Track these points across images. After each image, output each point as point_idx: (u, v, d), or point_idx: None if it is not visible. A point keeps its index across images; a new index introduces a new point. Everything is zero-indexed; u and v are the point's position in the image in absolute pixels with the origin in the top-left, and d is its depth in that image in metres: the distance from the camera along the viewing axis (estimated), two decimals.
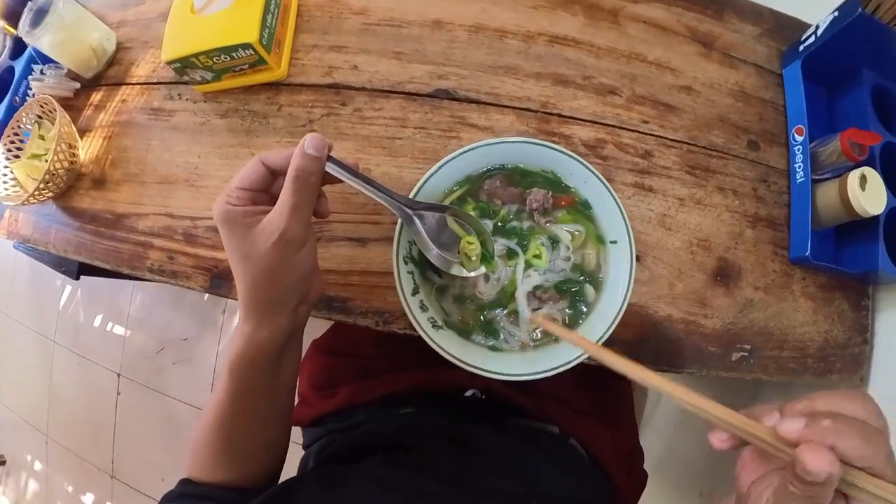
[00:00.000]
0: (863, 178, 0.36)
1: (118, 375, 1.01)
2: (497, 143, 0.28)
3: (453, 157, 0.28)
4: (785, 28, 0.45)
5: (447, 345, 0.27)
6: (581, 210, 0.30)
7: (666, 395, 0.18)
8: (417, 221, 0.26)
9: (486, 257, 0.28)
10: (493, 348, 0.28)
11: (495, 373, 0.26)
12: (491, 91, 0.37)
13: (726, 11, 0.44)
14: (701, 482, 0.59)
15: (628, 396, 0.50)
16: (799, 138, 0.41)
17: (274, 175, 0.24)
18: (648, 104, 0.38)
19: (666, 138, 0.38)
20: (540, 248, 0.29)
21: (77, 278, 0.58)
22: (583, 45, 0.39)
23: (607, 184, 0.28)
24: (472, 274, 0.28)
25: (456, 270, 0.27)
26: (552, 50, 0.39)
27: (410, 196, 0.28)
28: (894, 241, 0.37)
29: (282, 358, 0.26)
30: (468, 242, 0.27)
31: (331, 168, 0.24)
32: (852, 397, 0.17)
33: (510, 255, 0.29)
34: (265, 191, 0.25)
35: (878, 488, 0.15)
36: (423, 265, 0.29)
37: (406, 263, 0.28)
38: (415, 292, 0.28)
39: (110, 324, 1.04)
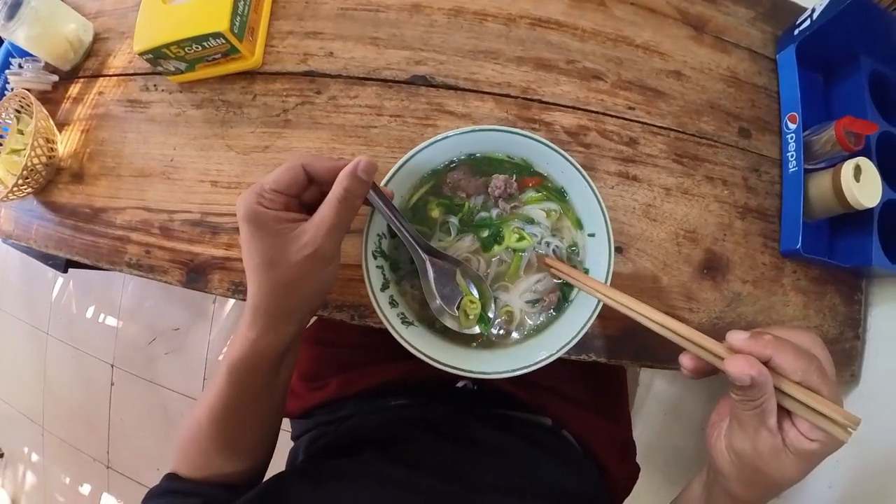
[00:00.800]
0: (857, 169, 0.34)
1: (112, 366, 1.02)
2: (467, 133, 0.27)
3: (418, 151, 0.27)
4: (780, 11, 0.43)
5: (417, 342, 0.26)
6: (553, 190, 0.29)
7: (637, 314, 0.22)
8: (430, 268, 0.26)
9: (483, 319, 0.27)
10: (464, 343, 0.28)
11: (463, 370, 0.26)
12: (470, 77, 0.36)
13: None
14: (690, 471, 0.59)
15: (623, 389, 0.50)
16: (792, 126, 0.39)
17: (310, 182, 0.24)
18: (635, 89, 0.37)
19: (653, 125, 0.37)
20: (518, 231, 0.28)
21: (65, 271, 0.58)
22: (567, 27, 0.38)
23: (583, 171, 0.27)
24: (464, 331, 0.27)
25: (449, 323, 0.27)
26: (534, 33, 0.37)
27: (367, 217, 0.28)
28: (890, 233, 0.36)
29: (283, 361, 0.26)
30: (470, 301, 0.27)
31: (370, 196, 0.24)
32: (803, 331, 0.21)
33: (485, 245, 0.28)
34: (297, 196, 0.24)
35: (806, 397, 0.18)
36: (393, 259, 0.28)
37: (375, 258, 0.27)
38: (384, 287, 0.27)
39: (102, 315, 1.05)
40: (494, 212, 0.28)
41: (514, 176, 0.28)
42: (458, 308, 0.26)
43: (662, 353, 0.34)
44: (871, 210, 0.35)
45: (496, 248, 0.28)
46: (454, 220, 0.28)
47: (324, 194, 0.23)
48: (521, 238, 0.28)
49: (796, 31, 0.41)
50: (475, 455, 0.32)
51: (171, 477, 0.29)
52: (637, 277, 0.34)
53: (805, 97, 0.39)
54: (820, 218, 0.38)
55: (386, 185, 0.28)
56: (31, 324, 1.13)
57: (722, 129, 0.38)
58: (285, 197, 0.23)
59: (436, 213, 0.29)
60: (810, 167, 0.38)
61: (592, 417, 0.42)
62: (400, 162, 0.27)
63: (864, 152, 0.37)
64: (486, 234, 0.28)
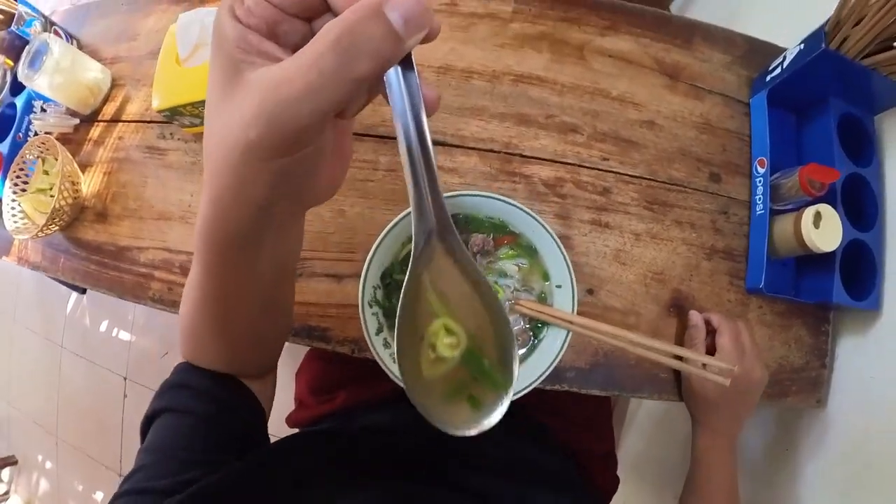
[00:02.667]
0: (817, 216, 0.37)
1: (125, 379, 1.07)
2: (452, 197, 0.31)
3: (406, 215, 0.31)
4: (757, 54, 0.45)
5: None
6: (524, 248, 0.32)
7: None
8: (434, 249, 0.16)
9: (474, 399, 0.16)
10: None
11: None
12: (456, 133, 0.39)
13: (696, 39, 0.44)
14: (678, 480, 0.63)
15: (606, 408, 0.53)
16: (761, 170, 0.42)
17: (325, 6, 0.14)
18: (609, 141, 0.40)
19: (625, 174, 0.39)
20: (494, 285, 0.32)
21: (83, 292, 0.63)
22: (547, 82, 0.40)
23: (552, 232, 0.30)
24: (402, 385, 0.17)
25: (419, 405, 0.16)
26: (517, 89, 0.40)
27: (368, 256, 0.30)
28: (854, 271, 0.39)
29: (252, 248, 0.18)
30: (446, 331, 0.16)
31: (395, 76, 0.14)
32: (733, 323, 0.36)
33: None
34: (300, 18, 0.14)
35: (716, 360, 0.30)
36: (386, 308, 0.32)
37: (371, 307, 0.31)
38: (378, 331, 0.31)
39: (116, 329, 1.09)
40: None
41: (492, 235, 0.32)
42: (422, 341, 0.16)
43: (627, 383, 0.37)
44: (833, 251, 0.38)
45: None
46: None
47: None
48: (496, 292, 0.31)
49: (768, 78, 0.43)
50: (469, 441, 0.34)
51: (183, 368, 0.26)
52: (606, 317, 0.37)
53: (775, 140, 0.42)
54: (785, 256, 0.41)
55: (378, 247, 0.31)
56: (46, 336, 1.17)
57: (692, 175, 0.41)
58: (274, 11, 0.13)
59: None
60: (778, 208, 0.41)
61: (577, 430, 0.46)
62: (389, 226, 0.31)
63: (830, 195, 0.40)
64: None
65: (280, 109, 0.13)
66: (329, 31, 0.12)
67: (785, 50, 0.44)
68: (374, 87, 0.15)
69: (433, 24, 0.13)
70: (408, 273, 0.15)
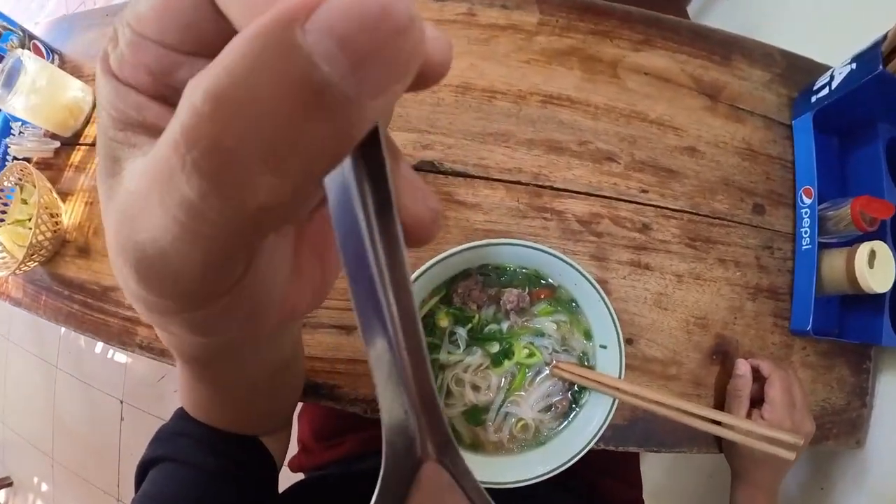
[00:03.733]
0: (872, 254, 0.34)
1: (121, 402, 1.03)
2: (481, 247, 0.27)
3: (428, 268, 0.27)
4: (797, 71, 0.42)
5: None
6: (563, 302, 0.29)
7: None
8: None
9: None
10: (476, 449, 0.28)
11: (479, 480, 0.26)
12: (479, 162, 0.35)
13: (734, 55, 0.41)
14: None
15: (635, 454, 0.50)
16: (807, 201, 0.38)
17: (229, 24, 0.07)
18: (648, 170, 0.36)
19: (666, 208, 0.36)
20: (529, 347, 0.28)
21: None
22: (579, 104, 0.37)
23: (598, 286, 0.27)
24: None
25: None
26: (545, 112, 0.36)
27: None
28: None
29: (231, 364, 0.16)
30: None
31: (345, 187, 0.07)
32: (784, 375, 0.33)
33: (495, 360, 0.28)
34: (204, 57, 0.07)
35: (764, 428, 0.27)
36: None
37: None
38: None
39: (111, 351, 1.06)
40: (505, 325, 0.28)
41: (527, 289, 0.28)
42: None
43: (668, 438, 0.34)
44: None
45: (506, 363, 0.28)
46: (462, 331, 0.28)
47: None
48: (532, 354, 0.28)
49: (813, 98, 0.39)
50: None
51: (181, 415, 0.22)
52: (646, 369, 0.34)
53: (821, 166, 0.38)
54: (831, 294, 0.38)
55: None
56: (41, 357, 1.14)
57: (736, 207, 0.38)
58: (161, 52, 0.07)
59: (444, 322, 0.28)
60: (823, 241, 0.38)
61: (604, 476, 0.43)
62: (413, 276, 0.27)
63: (880, 226, 0.36)
64: (496, 349, 0.28)
65: (138, 257, 0.07)
66: (181, 106, 0.06)
67: (824, 66, 0.41)
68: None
69: (432, 51, 0.06)
70: None
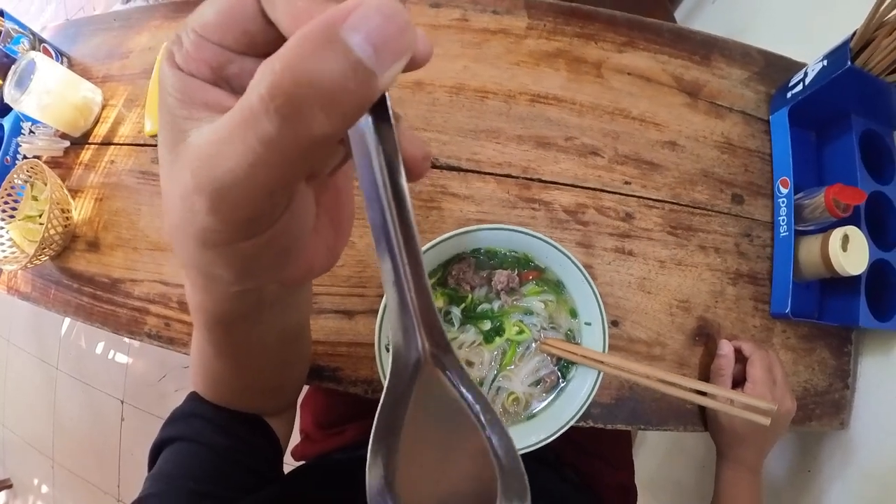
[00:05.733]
0: (845, 239, 0.36)
1: (122, 402, 1.04)
2: (473, 232, 0.29)
3: (428, 248, 0.29)
4: (775, 69, 0.44)
5: None
6: (550, 283, 0.31)
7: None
8: (421, 366, 0.12)
9: None
10: None
11: None
12: (472, 157, 0.37)
13: (714, 55, 0.43)
14: None
15: (626, 436, 0.52)
16: (784, 191, 0.40)
17: (275, 32, 0.10)
18: (631, 163, 0.38)
19: (648, 199, 0.38)
20: (519, 324, 0.30)
21: None
22: (565, 102, 0.39)
23: (581, 267, 0.29)
24: None
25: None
26: (534, 110, 0.38)
27: (384, 297, 0.28)
28: (877, 291, 0.38)
29: (250, 326, 0.17)
30: None
31: (366, 133, 0.10)
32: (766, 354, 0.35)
33: (487, 337, 0.30)
34: (251, 55, 0.10)
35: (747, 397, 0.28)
36: None
37: (388, 351, 0.29)
38: None
39: (112, 352, 1.07)
40: (496, 304, 0.30)
41: (516, 270, 0.30)
42: None
43: (654, 417, 0.36)
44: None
45: (497, 339, 0.29)
46: (457, 311, 0.30)
47: None
48: (521, 331, 0.29)
49: (789, 94, 0.42)
50: None
51: (193, 397, 0.24)
52: (631, 350, 0.36)
53: (797, 158, 0.40)
54: (810, 279, 0.40)
55: None
56: (41, 358, 1.14)
57: (715, 197, 0.40)
58: (217, 50, 0.10)
59: (440, 302, 0.30)
60: (801, 229, 0.40)
61: (595, 461, 0.45)
62: None
63: (854, 213, 0.38)
64: (488, 326, 0.30)
65: (215, 188, 0.09)
66: (264, 74, 0.08)
67: (801, 64, 0.43)
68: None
69: (419, 45, 0.09)
70: (379, 410, 0.11)
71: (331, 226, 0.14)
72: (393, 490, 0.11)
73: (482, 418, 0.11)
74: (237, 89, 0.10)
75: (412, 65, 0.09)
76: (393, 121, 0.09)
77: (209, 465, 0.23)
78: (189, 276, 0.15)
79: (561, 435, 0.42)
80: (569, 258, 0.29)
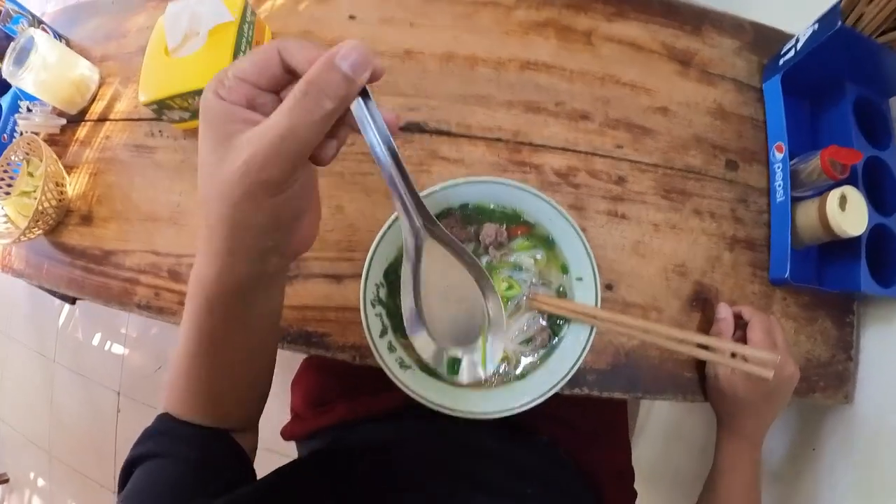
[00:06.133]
0: (843, 199, 0.35)
1: (118, 394, 1.03)
2: (460, 185, 0.29)
3: None
4: (766, 40, 0.44)
5: (415, 385, 0.27)
6: (540, 238, 0.30)
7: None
8: (422, 245, 0.19)
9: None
10: (457, 384, 0.29)
11: (461, 411, 0.27)
12: (462, 122, 0.37)
13: (705, 26, 0.43)
14: (692, 492, 0.60)
15: (622, 416, 0.51)
16: (779, 156, 0.40)
17: (290, 75, 0.17)
18: (622, 128, 0.38)
19: (640, 162, 0.38)
20: (508, 280, 0.29)
21: (73, 303, 0.60)
22: (555, 69, 0.39)
23: (571, 220, 0.28)
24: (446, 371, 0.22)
25: (426, 352, 0.21)
26: (523, 76, 0.38)
27: (370, 250, 0.28)
28: (878, 257, 0.37)
29: (246, 303, 0.21)
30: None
31: (359, 109, 0.16)
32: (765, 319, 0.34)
33: None
34: (273, 92, 0.17)
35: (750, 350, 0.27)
36: (390, 307, 0.30)
37: (374, 306, 0.28)
38: (383, 333, 0.28)
39: (109, 343, 1.07)
40: (484, 259, 0.30)
41: (504, 225, 0.29)
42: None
43: (652, 385, 0.35)
44: (858, 236, 0.36)
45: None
46: None
47: None
48: (511, 287, 0.29)
49: (781, 61, 0.41)
50: (477, 460, 0.33)
51: (164, 417, 0.26)
52: (627, 313, 0.35)
53: (791, 125, 0.40)
54: (808, 245, 0.39)
55: (380, 241, 0.29)
56: (38, 351, 1.15)
57: (709, 163, 0.39)
58: (251, 88, 0.17)
59: None
60: (798, 195, 0.39)
61: (590, 443, 0.43)
62: (392, 218, 0.29)
63: (851, 178, 0.38)
64: None
65: (268, 150, 0.16)
66: (297, 86, 0.16)
67: (793, 36, 0.43)
68: (341, 131, 0.18)
69: (377, 65, 0.16)
70: (403, 267, 0.19)
71: (312, 210, 0.20)
72: (421, 315, 0.20)
73: (480, 283, 0.20)
74: (262, 113, 0.17)
75: (374, 76, 0.16)
76: (372, 99, 0.17)
77: (181, 479, 0.23)
78: (213, 250, 0.19)
79: (556, 408, 0.42)
80: (559, 212, 0.29)
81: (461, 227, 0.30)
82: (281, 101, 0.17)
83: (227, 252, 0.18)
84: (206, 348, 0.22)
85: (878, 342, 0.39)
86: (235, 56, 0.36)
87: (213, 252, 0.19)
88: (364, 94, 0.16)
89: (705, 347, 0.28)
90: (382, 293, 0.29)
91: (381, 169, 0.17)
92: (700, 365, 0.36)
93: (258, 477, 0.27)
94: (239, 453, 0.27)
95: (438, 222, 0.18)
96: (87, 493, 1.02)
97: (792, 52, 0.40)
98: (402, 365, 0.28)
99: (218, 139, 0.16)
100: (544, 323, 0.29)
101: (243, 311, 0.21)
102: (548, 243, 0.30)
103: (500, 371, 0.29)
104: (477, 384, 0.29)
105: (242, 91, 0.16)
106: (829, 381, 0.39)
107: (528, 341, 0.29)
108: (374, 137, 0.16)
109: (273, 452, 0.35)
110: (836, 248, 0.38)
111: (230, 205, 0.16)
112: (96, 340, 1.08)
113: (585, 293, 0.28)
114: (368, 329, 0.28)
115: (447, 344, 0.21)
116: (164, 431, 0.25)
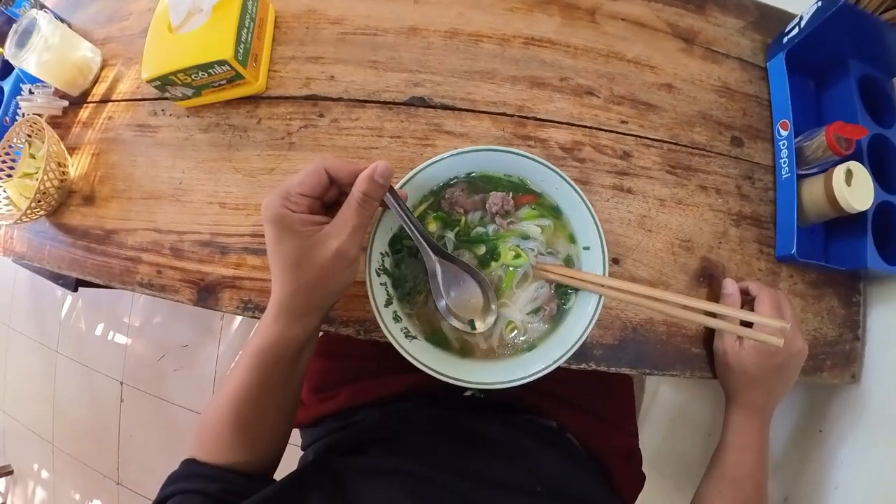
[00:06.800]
0: (848, 173, 0.35)
1: (121, 384, 1.04)
2: (466, 153, 0.28)
3: (418, 171, 0.28)
4: (769, 20, 0.44)
5: (421, 355, 0.27)
6: (547, 208, 0.30)
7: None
8: (439, 269, 0.27)
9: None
10: (465, 355, 0.29)
11: (469, 381, 0.27)
12: (466, 97, 0.37)
13: (708, 5, 0.43)
14: (697, 476, 0.59)
15: (629, 399, 0.50)
16: (784, 133, 0.40)
17: (331, 183, 0.25)
18: (627, 104, 0.38)
19: (646, 138, 0.37)
20: (515, 249, 0.29)
21: (75, 290, 0.60)
22: (559, 45, 0.39)
23: (577, 188, 0.28)
24: (469, 330, 0.28)
25: (455, 323, 0.28)
26: (528, 52, 0.38)
27: (374, 221, 0.29)
28: (885, 234, 0.37)
29: (303, 352, 0.28)
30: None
31: (387, 197, 0.25)
32: (774, 293, 0.34)
33: (483, 262, 0.29)
34: (320, 198, 0.25)
35: (756, 317, 0.27)
36: (395, 277, 0.29)
37: (379, 275, 0.28)
38: (388, 303, 0.28)
39: (111, 333, 1.07)
40: (491, 228, 0.29)
41: (511, 193, 0.29)
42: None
43: (660, 360, 0.35)
44: (864, 213, 0.36)
45: (493, 265, 0.29)
46: (450, 235, 0.29)
47: (343, 194, 0.25)
48: (518, 255, 0.28)
49: (785, 39, 0.41)
50: (482, 451, 0.33)
51: (191, 462, 0.29)
52: None
53: (796, 103, 0.40)
54: (814, 222, 0.39)
55: (385, 210, 0.28)
56: (41, 342, 1.15)
57: (714, 139, 0.39)
58: (310, 199, 0.24)
59: (433, 225, 0.30)
60: (803, 173, 0.39)
61: (598, 426, 0.43)
62: (401, 182, 0.28)
63: (856, 156, 0.38)
64: (482, 251, 0.29)
65: (349, 238, 0.24)
66: (355, 195, 0.24)
67: (796, 15, 0.43)
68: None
69: (392, 171, 0.24)
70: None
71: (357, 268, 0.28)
72: (449, 308, 0.28)
73: (485, 287, 0.29)
74: (315, 211, 0.25)
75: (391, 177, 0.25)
76: (397, 192, 0.26)
77: None
78: (296, 312, 0.26)
79: (563, 390, 0.41)
80: (565, 180, 0.28)
81: (467, 196, 0.29)
82: (322, 202, 0.26)
83: (309, 314, 0.26)
84: (256, 396, 0.27)
85: (885, 322, 0.39)
86: (240, 26, 0.36)
87: (297, 318, 0.26)
88: (390, 189, 0.25)
89: (714, 316, 0.28)
90: (388, 262, 0.29)
91: (403, 224, 0.27)
92: (708, 340, 0.35)
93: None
94: (264, 484, 0.28)
95: (450, 254, 0.28)
96: (90, 483, 1.02)
97: (796, 30, 0.40)
98: (408, 335, 0.28)
99: (298, 239, 0.24)
100: (552, 292, 0.29)
101: (302, 357, 0.28)
102: (555, 212, 0.30)
103: (509, 340, 0.29)
104: (485, 353, 0.29)
105: (305, 203, 0.24)
106: (836, 359, 0.38)
107: (535, 311, 0.29)
108: (398, 209, 0.26)
109: None
110: (842, 225, 0.38)
111: (321, 280, 0.24)
112: (99, 330, 1.08)
113: (593, 262, 0.28)
114: (374, 298, 0.28)
115: (467, 316, 0.29)
116: (193, 474, 0.28)
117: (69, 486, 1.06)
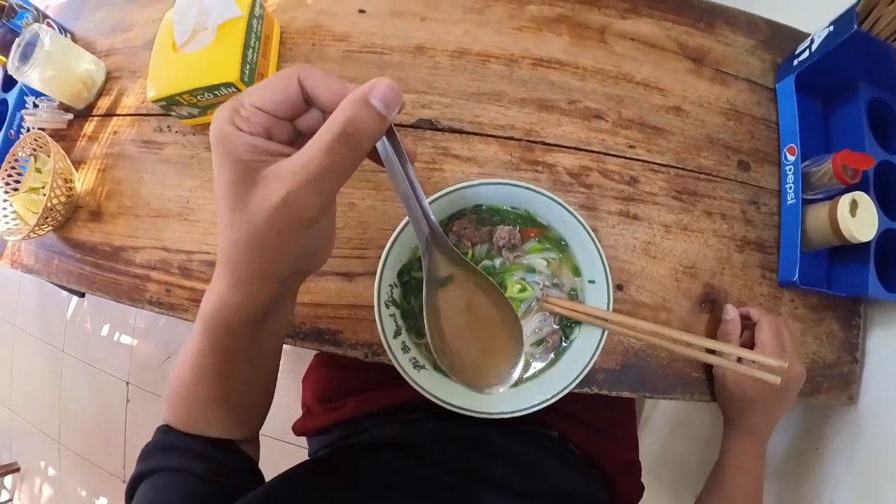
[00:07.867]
0: (853, 204, 0.35)
1: (127, 384, 1.05)
2: (474, 186, 0.29)
3: (429, 203, 0.28)
4: (781, 38, 0.43)
5: (429, 385, 0.27)
6: (553, 240, 0.30)
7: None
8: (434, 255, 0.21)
9: None
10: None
11: (474, 411, 0.27)
12: (474, 120, 0.37)
13: (718, 23, 0.43)
14: (696, 484, 0.61)
15: (630, 411, 0.51)
16: (791, 158, 0.40)
17: (307, 105, 0.17)
18: (635, 127, 0.38)
19: (653, 163, 0.37)
20: (521, 282, 0.29)
21: (82, 296, 0.60)
22: (568, 66, 0.38)
23: (584, 222, 0.28)
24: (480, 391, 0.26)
25: (460, 387, 0.26)
26: (536, 73, 0.38)
27: (383, 252, 0.29)
28: (888, 261, 0.37)
29: (264, 324, 0.21)
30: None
31: (382, 144, 0.17)
32: (774, 319, 0.34)
33: None
34: (289, 120, 0.17)
35: (756, 355, 0.26)
36: (404, 308, 0.30)
37: (388, 307, 0.29)
38: (396, 334, 0.29)
39: (117, 333, 1.08)
40: (498, 261, 0.30)
41: (518, 226, 0.29)
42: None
43: (660, 384, 0.35)
44: (867, 241, 0.36)
45: None
46: None
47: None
48: (523, 289, 0.29)
49: (795, 62, 0.41)
50: (487, 457, 0.33)
51: (165, 430, 0.26)
52: (636, 314, 0.35)
53: (804, 127, 0.40)
54: (818, 248, 0.39)
55: (394, 242, 0.29)
56: (47, 341, 1.16)
57: (721, 164, 0.39)
58: (268, 118, 0.16)
59: None
60: (809, 198, 0.39)
61: (599, 437, 0.44)
62: (406, 220, 0.28)
63: (863, 183, 0.38)
64: None
65: (308, 188, 0.15)
66: (333, 123, 0.15)
67: (807, 35, 0.43)
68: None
69: (402, 100, 0.17)
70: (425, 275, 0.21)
71: (333, 230, 0.21)
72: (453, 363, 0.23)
73: (509, 318, 0.23)
74: (279, 142, 0.17)
75: (400, 109, 0.17)
76: (398, 137, 0.18)
77: (188, 490, 0.23)
78: (234, 280, 0.19)
79: (565, 403, 0.42)
80: (571, 214, 0.29)
81: (475, 228, 0.30)
82: (295, 129, 0.17)
83: (253, 281, 0.19)
84: (220, 367, 0.22)
85: (884, 345, 0.39)
86: (245, 46, 0.35)
87: (237, 281, 0.19)
88: (390, 131, 0.17)
89: (714, 352, 0.28)
90: (396, 294, 0.29)
91: (402, 194, 0.19)
92: (708, 365, 0.36)
93: (266, 478, 0.27)
94: (246, 461, 0.27)
95: (443, 232, 0.21)
96: (96, 481, 1.04)
97: (806, 53, 0.40)
98: (416, 365, 0.28)
99: (239, 172, 0.16)
100: (556, 325, 0.29)
101: (260, 330, 0.22)
102: (560, 245, 0.30)
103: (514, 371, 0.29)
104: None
105: (260, 121, 0.16)
106: (833, 382, 0.39)
107: (539, 343, 0.29)
108: (395, 165, 0.18)
109: (286, 443, 0.35)
110: (845, 252, 0.38)
111: (262, 238, 0.16)
112: (105, 331, 1.09)
113: (597, 296, 0.29)
114: (383, 330, 0.28)
115: (478, 362, 0.24)
116: (170, 445, 0.25)
117: (76, 484, 1.08)
